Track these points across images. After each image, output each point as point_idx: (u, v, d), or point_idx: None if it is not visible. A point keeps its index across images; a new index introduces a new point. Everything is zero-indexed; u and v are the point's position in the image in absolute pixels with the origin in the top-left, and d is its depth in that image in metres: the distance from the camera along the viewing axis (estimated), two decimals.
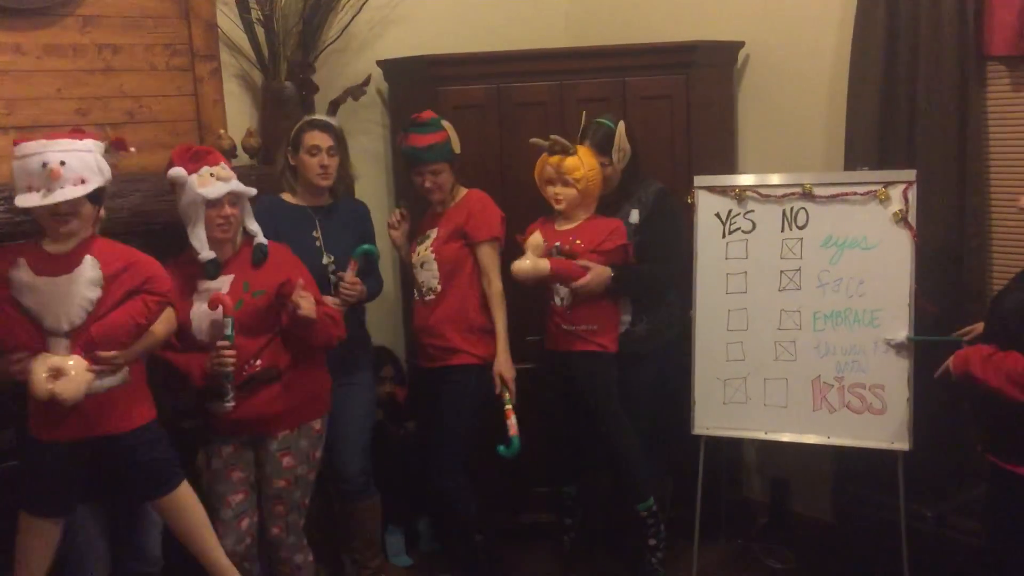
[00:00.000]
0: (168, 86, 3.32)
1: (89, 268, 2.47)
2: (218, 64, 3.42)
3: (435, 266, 3.23)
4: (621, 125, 3.19)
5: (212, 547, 2.70)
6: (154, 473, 2.62)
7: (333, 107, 3.54)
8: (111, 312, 2.49)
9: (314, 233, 3.14)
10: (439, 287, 3.23)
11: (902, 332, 3.10)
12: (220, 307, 2.72)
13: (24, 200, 2.39)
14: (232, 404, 2.77)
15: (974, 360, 2.59)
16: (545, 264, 3.08)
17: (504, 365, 3.19)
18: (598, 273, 3.11)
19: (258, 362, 2.82)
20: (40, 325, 2.45)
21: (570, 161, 3.13)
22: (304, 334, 2.86)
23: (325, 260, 3.13)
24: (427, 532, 3.81)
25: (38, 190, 2.39)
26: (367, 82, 3.66)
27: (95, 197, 2.48)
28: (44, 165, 2.37)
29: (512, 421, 3.12)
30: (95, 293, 2.47)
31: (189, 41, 3.34)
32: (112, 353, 2.49)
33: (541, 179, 3.22)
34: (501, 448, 3.11)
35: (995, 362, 2.53)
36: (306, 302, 2.77)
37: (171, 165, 2.74)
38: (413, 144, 3.19)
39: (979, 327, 2.83)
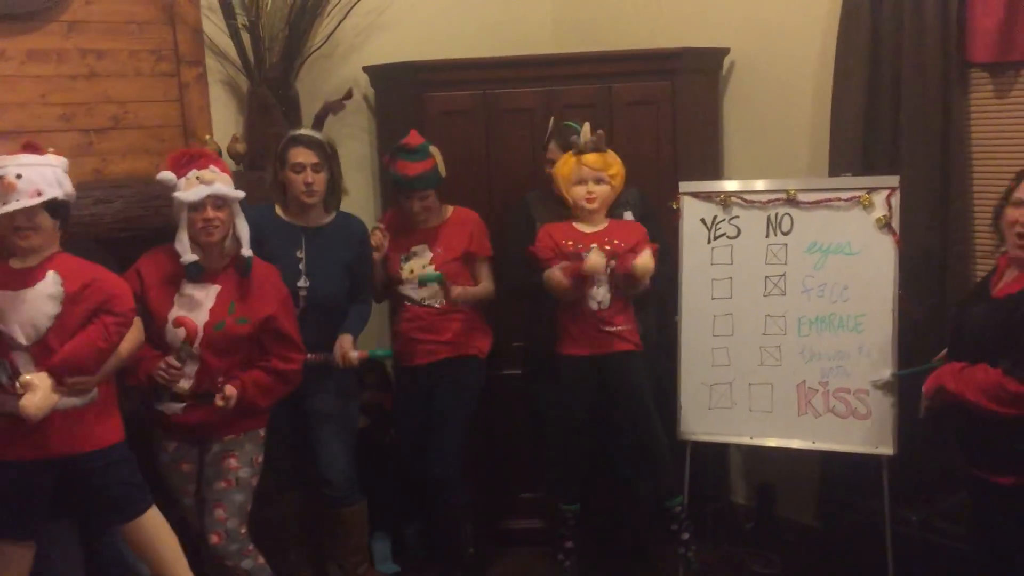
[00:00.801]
0: (153, 91, 3.32)
1: (50, 284, 2.47)
2: (203, 69, 3.41)
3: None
4: (586, 125, 3.15)
5: None
6: (118, 497, 2.57)
7: (318, 121, 3.51)
8: (74, 334, 2.47)
9: (298, 253, 3.11)
10: (445, 301, 3.28)
11: (886, 370, 3.11)
12: (183, 329, 2.72)
13: None
14: (173, 405, 2.79)
15: (946, 377, 2.61)
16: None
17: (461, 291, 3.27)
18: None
19: (220, 379, 2.81)
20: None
21: (610, 158, 3.10)
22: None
23: (302, 283, 3.09)
24: (414, 538, 3.80)
25: None
26: (349, 95, 3.63)
27: (55, 212, 2.48)
28: (1, 179, 2.38)
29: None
30: (55, 309, 2.46)
31: (174, 46, 3.34)
32: (78, 379, 2.49)
33: (568, 179, 3.11)
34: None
35: (967, 376, 2.56)
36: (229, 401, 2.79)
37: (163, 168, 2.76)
38: (403, 172, 3.20)
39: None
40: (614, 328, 3.12)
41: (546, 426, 3.43)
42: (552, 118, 3.31)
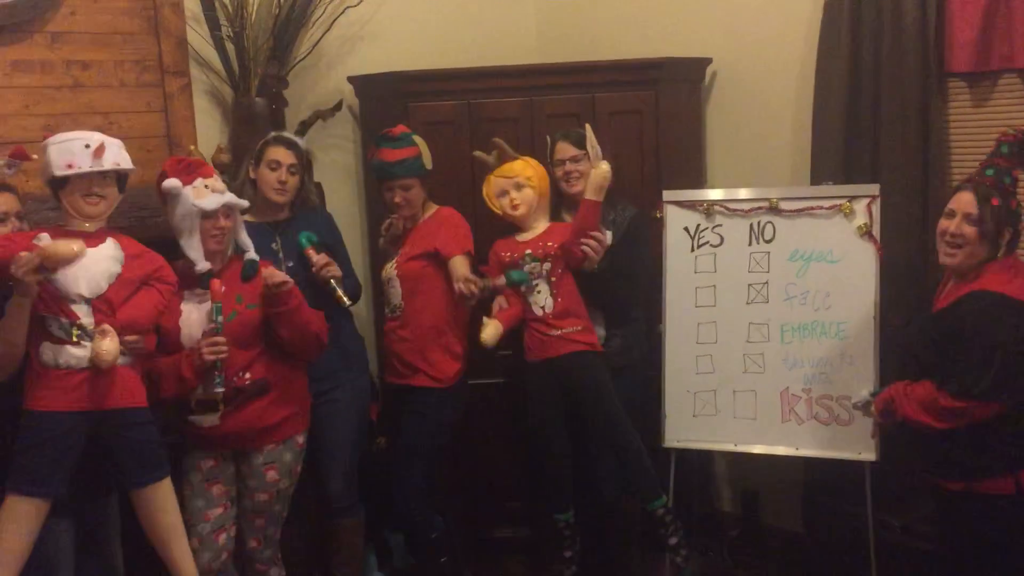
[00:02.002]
0: (138, 102, 3.32)
1: (111, 247, 2.60)
2: (188, 80, 3.42)
3: (398, 283, 3.24)
4: (587, 126, 3.18)
5: (184, 554, 2.66)
6: (148, 455, 2.61)
7: (303, 127, 3.53)
8: (131, 293, 2.59)
9: (273, 245, 3.12)
10: (402, 304, 3.24)
11: (864, 390, 3.06)
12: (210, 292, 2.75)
13: (65, 169, 2.50)
14: (219, 411, 2.78)
15: (897, 397, 2.68)
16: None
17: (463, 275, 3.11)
18: (604, 240, 3.13)
19: (247, 375, 2.82)
20: (57, 290, 2.51)
21: (515, 165, 3.16)
22: (288, 329, 2.83)
23: (284, 269, 3.08)
24: (399, 548, 3.80)
25: (81, 167, 2.52)
26: (339, 106, 3.65)
27: (121, 185, 2.63)
28: (87, 146, 2.52)
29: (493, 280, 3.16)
30: (117, 268, 2.59)
31: (159, 57, 3.34)
32: (135, 337, 2.59)
33: (492, 195, 3.22)
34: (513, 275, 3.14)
35: (910, 393, 2.64)
36: (276, 274, 2.76)
37: (163, 176, 2.77)
38: (384, 159, 3.18)
39: None
40: (560, 331, 3.14)
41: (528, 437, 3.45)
42: (548, 137, 3.32)
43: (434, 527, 3.33)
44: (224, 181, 3.33)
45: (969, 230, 2.54)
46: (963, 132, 3.23)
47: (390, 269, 3.27)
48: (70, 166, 2.51)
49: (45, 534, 2.61)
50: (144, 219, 2.88)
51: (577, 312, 3.18)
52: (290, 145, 3.13)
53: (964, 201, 2.57)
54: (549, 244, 3.15)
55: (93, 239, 2.57)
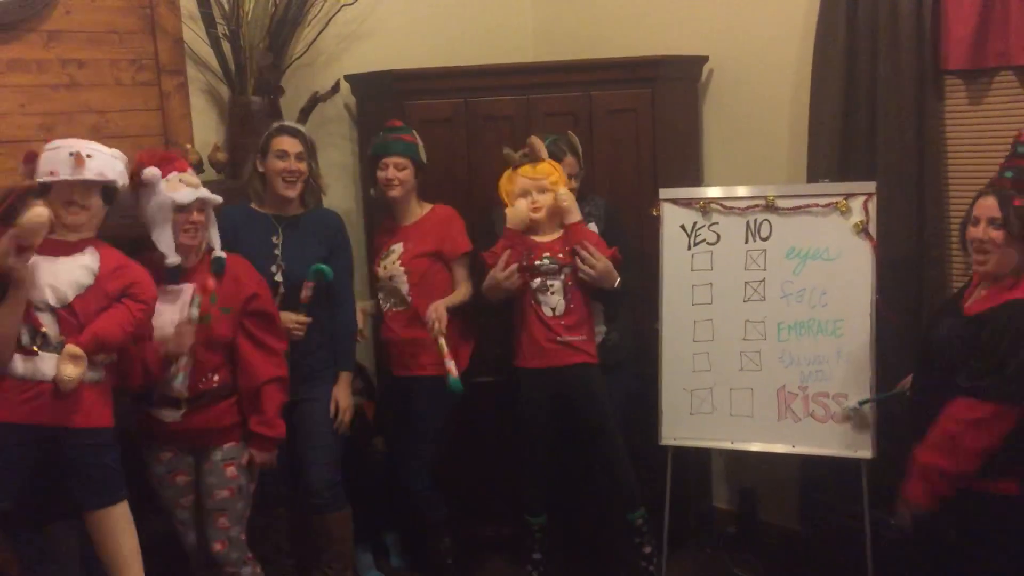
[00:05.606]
0: (134, 101, 3.31)
1: (88, 257, 2.58)
2: (184, 79, 3.41)
3: (405, 279, 3.27)
4: (572, 135, 3.23)
5: None
6: (99, 480, 2.58)
7: (303, 115, 3.54)
8: (98, 309, 2.54)
9: (274, 239, 3.13)
10: (409, 299, 3.28)
11: (858, 395, 3.15)
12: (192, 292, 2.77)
13: (47, 176, 2.51)
14: (182, 409, 2.78)
15: (926, 456, 2.60)
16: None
17: (440, 310, 3.17)
18: (611, 266, 3.13)
19: (216, 377, 2.83)
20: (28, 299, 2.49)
21: (544, 167, 3.15)
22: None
23: (274, 269, 3.11)
24: (396, 547, 3.80)
25: (61, 175, 2.52)
26: (336, 87, 3.65)
27: (107, 197, 2.61)
28: (71, 154, 2.52)
29: (451, 364, 3.10)
30: (88, 279, 2.56)
31: (155, 56, 3.34)
32: (103, 357, 2.58)
33: (511, 193, 3.19)
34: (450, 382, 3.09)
35: (925, 443, 2.56)
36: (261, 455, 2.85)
37: (140, 165, 2.76)
38: (383, 139, 3.25)
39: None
40: (569, 339, 3.13)
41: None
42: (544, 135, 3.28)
43: (438, 508, 3.41)
44: (220, 179, 3.36)
45: (995, 234, 2.50)
46: (959, 129, 3.23)
47: (392, 266, 3.29)
48: (52, 173, 2.51)
49: (49, 543, 2.65)
50: (134, 217, 2.85)
51: (583, 320, 3.17)
52: (295, 133, 3.15)
53: (986, 206, 2.53)
54: (568, 250, 3.12)
55: (71, 248, 2.56)
